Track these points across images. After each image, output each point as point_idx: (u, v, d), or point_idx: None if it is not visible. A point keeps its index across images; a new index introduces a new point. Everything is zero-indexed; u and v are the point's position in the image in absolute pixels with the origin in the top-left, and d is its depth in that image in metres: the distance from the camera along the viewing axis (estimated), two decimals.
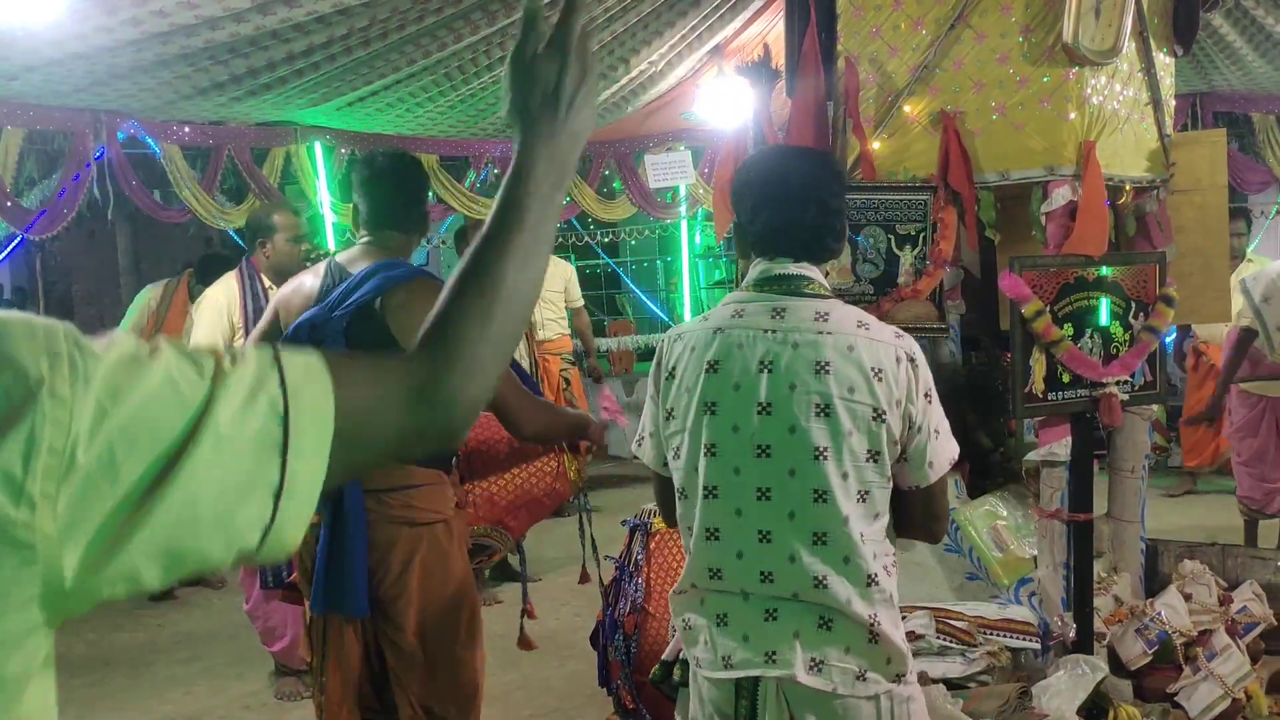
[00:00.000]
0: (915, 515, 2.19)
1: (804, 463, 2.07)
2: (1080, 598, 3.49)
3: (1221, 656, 3.63)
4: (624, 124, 7.50)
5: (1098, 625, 3.60)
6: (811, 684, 2.07)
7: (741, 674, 2.12)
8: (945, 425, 2.17)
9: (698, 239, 11.04)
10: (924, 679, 2.91)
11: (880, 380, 2.06)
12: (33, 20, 4.17)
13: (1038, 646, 3.44)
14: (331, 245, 7.31)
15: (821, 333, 2.09)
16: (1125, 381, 3.48)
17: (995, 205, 3.47)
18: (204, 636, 5.47)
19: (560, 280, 7.11)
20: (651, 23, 5.61)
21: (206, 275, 5.85)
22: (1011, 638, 3.44)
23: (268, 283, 4.41)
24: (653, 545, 3.88)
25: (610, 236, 11.37)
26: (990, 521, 3.48)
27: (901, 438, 2.10)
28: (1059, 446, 3.47)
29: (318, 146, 6.91)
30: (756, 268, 2.21)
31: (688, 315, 9.87)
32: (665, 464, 2.25)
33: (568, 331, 7.26)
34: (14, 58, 4.62)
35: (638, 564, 3.86)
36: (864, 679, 2.07)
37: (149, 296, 6.02)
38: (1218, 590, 3.94)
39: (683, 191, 8.79)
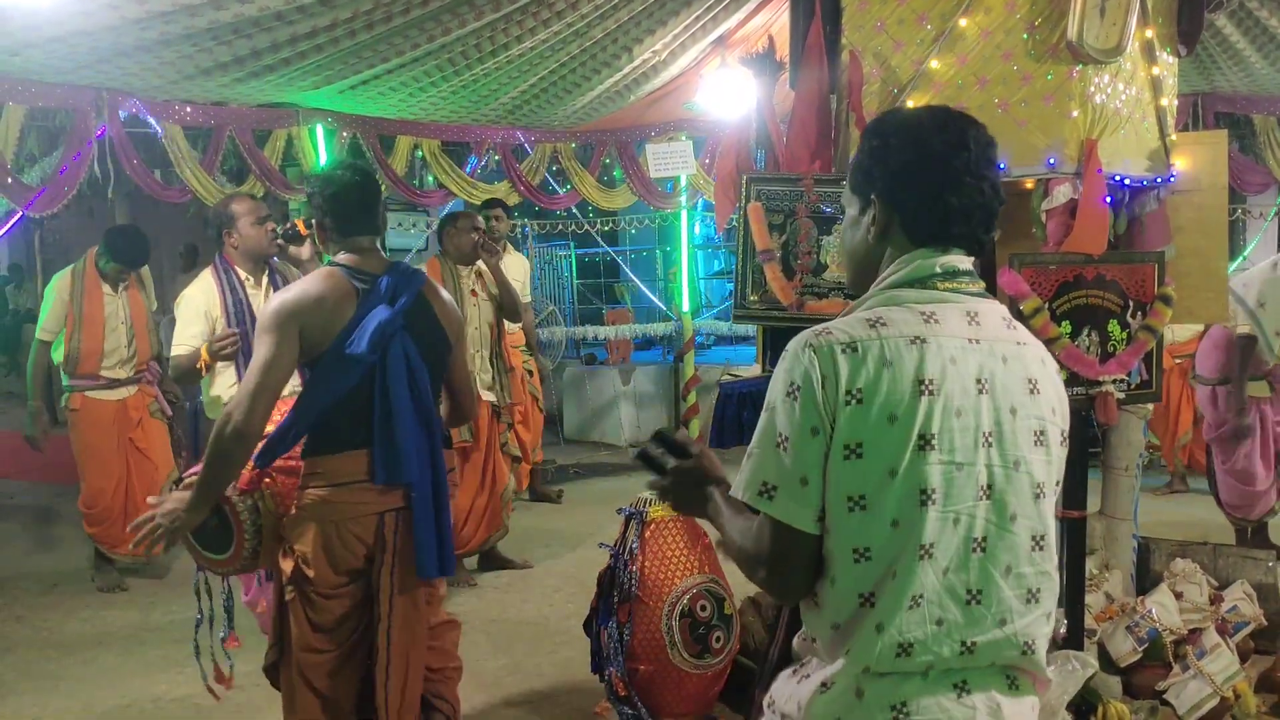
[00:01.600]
0: None
1: (1025, 504, 1.70)
2: (1072, 594, 3.51)
3: (1211, 655, 3.65)
4: (626, 113, 7.49)
5: (1088, 622, 3.63)
6: None
7: None
8: None
9: (697, 229, 11.03)
10: None
11: (1060, 397, 1.81)
12: (40, 3, 4.18)
13: None
14: None
15: (1019, 343, 1.77)
16: (1121, 380, 3.49)
17: None
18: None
19: (522, 271, 7.09)
20: (656, 12, 5.60)
21: (115, 248, 5.79)
22: None
23: (244, 274, 4.43)
24: (647, 534, 3.89)
25: (610, 225, 11.38)
26: None
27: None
28: None
29: (319, 129, 6.90)
30: (926, 260, 1.76)
31: (686, 305, 9.82)
32: (820, 518, 1.68)
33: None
34: (16, 33, 4.61)
35: (632, 552, 3.87)
36: None
37: (58, 287, 5.83)
38: (1208, 589, 3.96)
39: (683, 181, 8.79)
